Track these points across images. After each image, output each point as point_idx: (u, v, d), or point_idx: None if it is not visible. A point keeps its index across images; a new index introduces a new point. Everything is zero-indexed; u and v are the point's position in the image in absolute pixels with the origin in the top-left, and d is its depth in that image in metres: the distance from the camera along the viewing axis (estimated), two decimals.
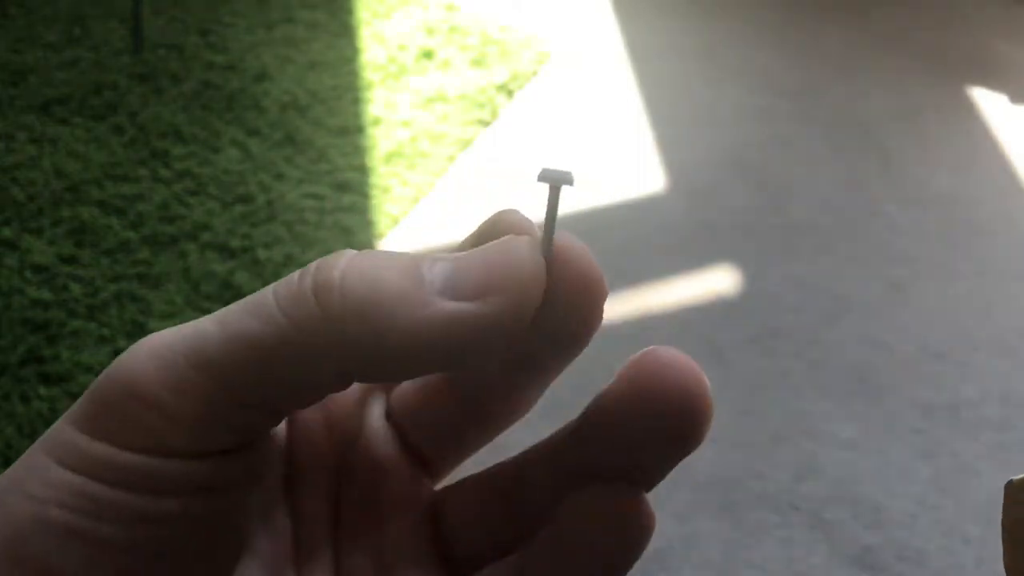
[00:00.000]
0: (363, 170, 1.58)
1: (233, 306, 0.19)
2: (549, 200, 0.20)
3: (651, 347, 0.20)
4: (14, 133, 1.56)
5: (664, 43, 1.97)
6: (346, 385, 0.19)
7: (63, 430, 0.19)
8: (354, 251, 0.19)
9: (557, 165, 0.20)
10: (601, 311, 0.20)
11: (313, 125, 1.65)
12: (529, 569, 0.21)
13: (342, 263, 0.18)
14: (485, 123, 1.70)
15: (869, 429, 1.29)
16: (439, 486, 0.24)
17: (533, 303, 0.19)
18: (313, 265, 0.19)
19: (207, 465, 0.19)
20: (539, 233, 0.20)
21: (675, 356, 0.20)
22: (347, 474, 0.22)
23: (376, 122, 1.67)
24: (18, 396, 1.18)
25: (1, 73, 1.68)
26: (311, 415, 0.22)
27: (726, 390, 1.32)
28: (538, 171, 0.20)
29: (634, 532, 0.20)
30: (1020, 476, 0.22)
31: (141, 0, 1.73)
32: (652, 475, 0.20)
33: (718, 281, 1.48)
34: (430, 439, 0.23)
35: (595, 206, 1.58)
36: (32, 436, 1.15)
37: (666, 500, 1.18)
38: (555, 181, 0.20)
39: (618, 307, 1.42)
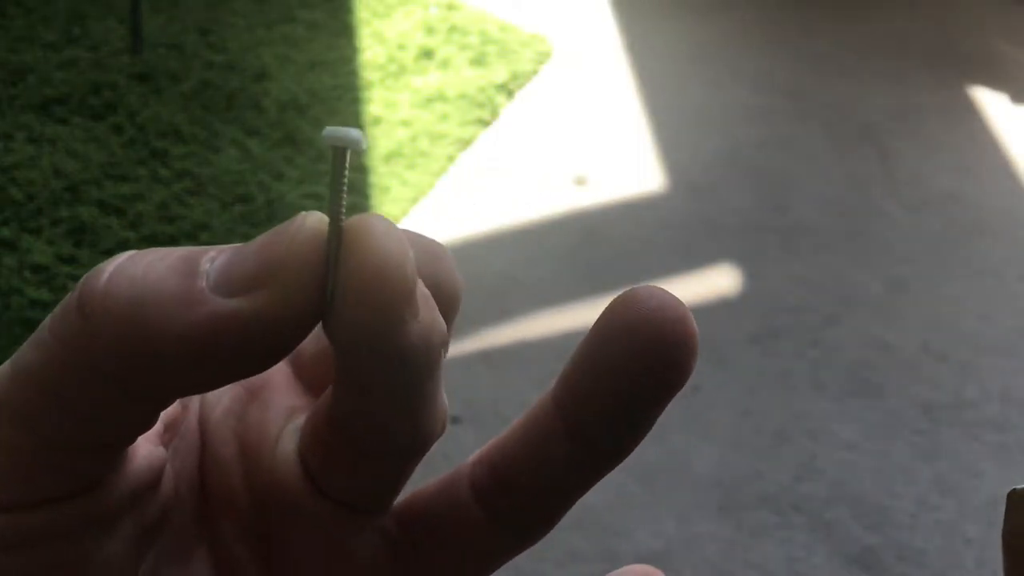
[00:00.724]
0: (363, 170, 1.57)
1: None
2: (333, 166, 0.17)
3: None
4: (13, 133, 1.55)
5: (664, 43, 1.96)
6: (153, 405, 0.17)
7: None
8: (131, 252, 0.16)
9: (346, 127, 0.16)
10: (397, 308, 0.16)
11: (313, 125, 1.64)
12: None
13: (110, 267, 0.16)
14: (485, 123, 1.70)
15: (870, 429, 1.29)
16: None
17: (305, 296, 0.16)
18: (84, 276, 0.16)
19: (36, 516, 0.17)
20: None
21: (651, 289, 0.18)
22: (263, 509, 0.20)
23: (376, 122, 1.67)
24: None
25: (0, 72, 1.68)
26: (224, 446, 0.20)
27: (726, 390, 1.32)
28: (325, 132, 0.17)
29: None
30: (1023, 486, 0.21)
31: None
32: (641, 421, 0.19)
33: (718, 281, 1.48)
34: (323, 473, 0.19)
35: (595, 206, 1.58)
36: None
37: (666, 500, 1.18)
38: (340, 142, 0.16)
39: None
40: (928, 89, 1.90)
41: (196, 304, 0.15)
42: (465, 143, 1.65)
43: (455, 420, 1.19)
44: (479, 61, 1.83)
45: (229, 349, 0.16)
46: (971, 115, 1.85)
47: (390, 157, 1.60)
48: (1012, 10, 2.13)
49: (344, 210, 0.16)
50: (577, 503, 0.21)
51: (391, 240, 0.16)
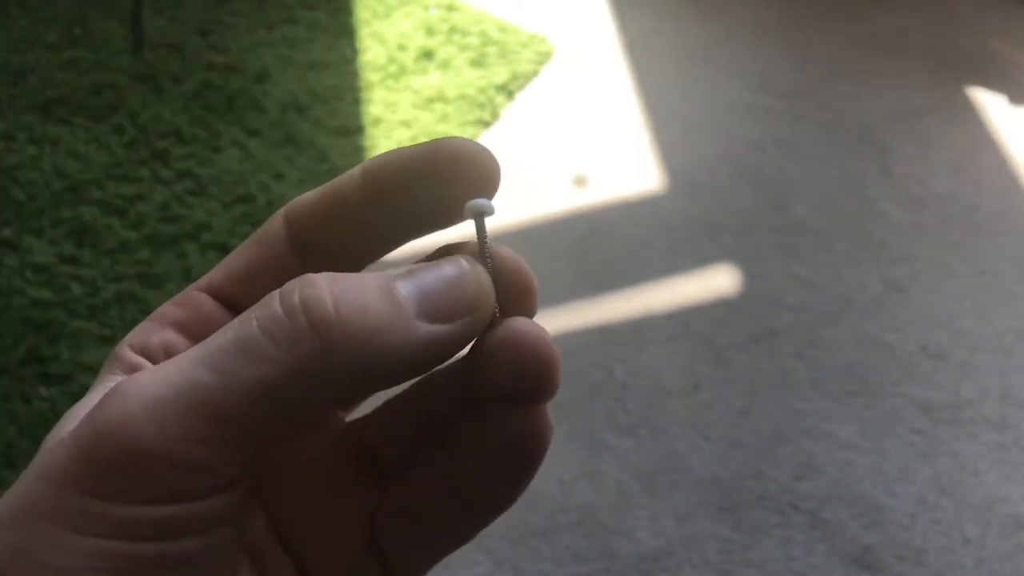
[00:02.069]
0: None
1: (219, 344, 0.20)
2: (477, 229, 0.24)
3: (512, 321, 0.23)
4: (14, 133, 1.56)
5: (664, 43, 1.97)
6: (344, 405, 0.23)
7: (65, 497, 0.19)
8: (325, 275, 0.20)
9: (480, 200, 0.25)
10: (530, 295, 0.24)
11: (313, 125, 1.65)
12: (452, 466, 0.23)
13: (326, 293, 0.20)
14: (485, 123, 1.71)
15: (869, 429, 1.29)
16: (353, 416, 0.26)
17: (489, 316, 0.22)
18: (296, 295, 0.20)
19: (219, 499, 0.20)
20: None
21: (528, 327, 0.23)
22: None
23: (376, 122, 1.67)
24: (19, 396, 1.18)
25: (1, 73, 1.68)
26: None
27: (726, 390, 1.32)
28: (466, 208, 0.24)
29: (535, 430, 0.23)
30: None
31: (141, 0, 1.73)
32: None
33: (718, 281, 1.49)
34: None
35: (595, 206, 1.58)
36: (32, 436, 1.15)
37: (666, 500, 1.18)
38: (478, 210, 0.24)
39: (618, 307, 1.42)
40: (927, 90, 1.90)
41: (412, 329, 0.20)
42: None
43: None
44: (479, 62, 1.83)
45: (433, 362, 0.21)
46: (970, 116, 1.85)
47: None
48: (1012, 11, 2.13)
49: (489, 258, 0.24)
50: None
51: (524, 264, 0.25)
